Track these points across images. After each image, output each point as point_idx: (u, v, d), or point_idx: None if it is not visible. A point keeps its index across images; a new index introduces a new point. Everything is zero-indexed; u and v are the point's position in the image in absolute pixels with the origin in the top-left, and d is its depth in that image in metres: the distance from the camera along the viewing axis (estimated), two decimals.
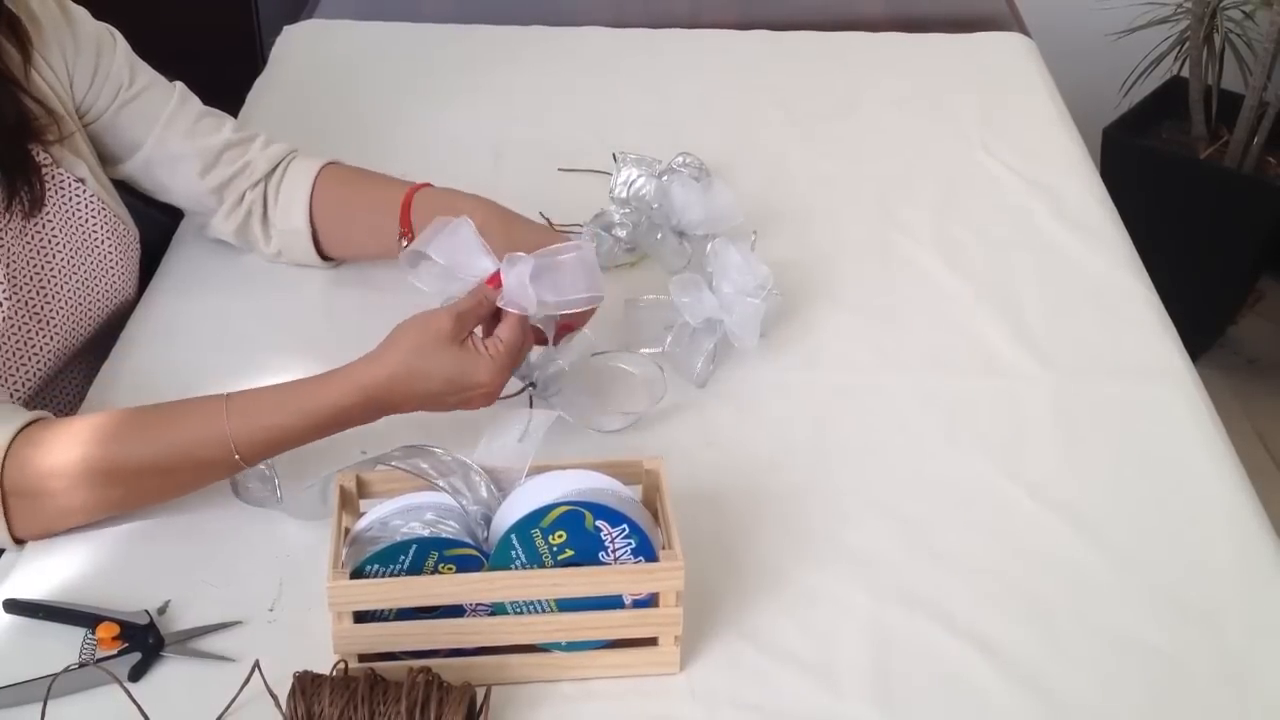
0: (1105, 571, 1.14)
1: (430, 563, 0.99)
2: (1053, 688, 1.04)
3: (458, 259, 1.19)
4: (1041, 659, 1.06)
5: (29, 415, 1.13)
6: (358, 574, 0.99)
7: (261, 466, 1.15)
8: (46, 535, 1.14)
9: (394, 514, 1.03)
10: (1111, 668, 1.06)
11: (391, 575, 0.99)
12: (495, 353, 1.15)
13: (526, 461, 1.05)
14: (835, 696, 1.03)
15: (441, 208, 1.29)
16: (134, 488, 1.13)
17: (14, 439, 1.10)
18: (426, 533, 1.00)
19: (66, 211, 1.31)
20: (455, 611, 1.01)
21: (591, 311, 1.26)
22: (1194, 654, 1.07)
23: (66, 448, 1.10)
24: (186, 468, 1.13)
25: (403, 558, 0.99)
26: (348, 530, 1.04)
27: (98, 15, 1.37)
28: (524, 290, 1.16)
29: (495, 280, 1.18)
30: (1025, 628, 1.09)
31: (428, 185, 1.37)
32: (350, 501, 1.07)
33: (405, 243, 1.33)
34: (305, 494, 1.12)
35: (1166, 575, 1.14)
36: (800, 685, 1.04)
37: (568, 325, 1.26)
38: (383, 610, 1.00)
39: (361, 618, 0.99)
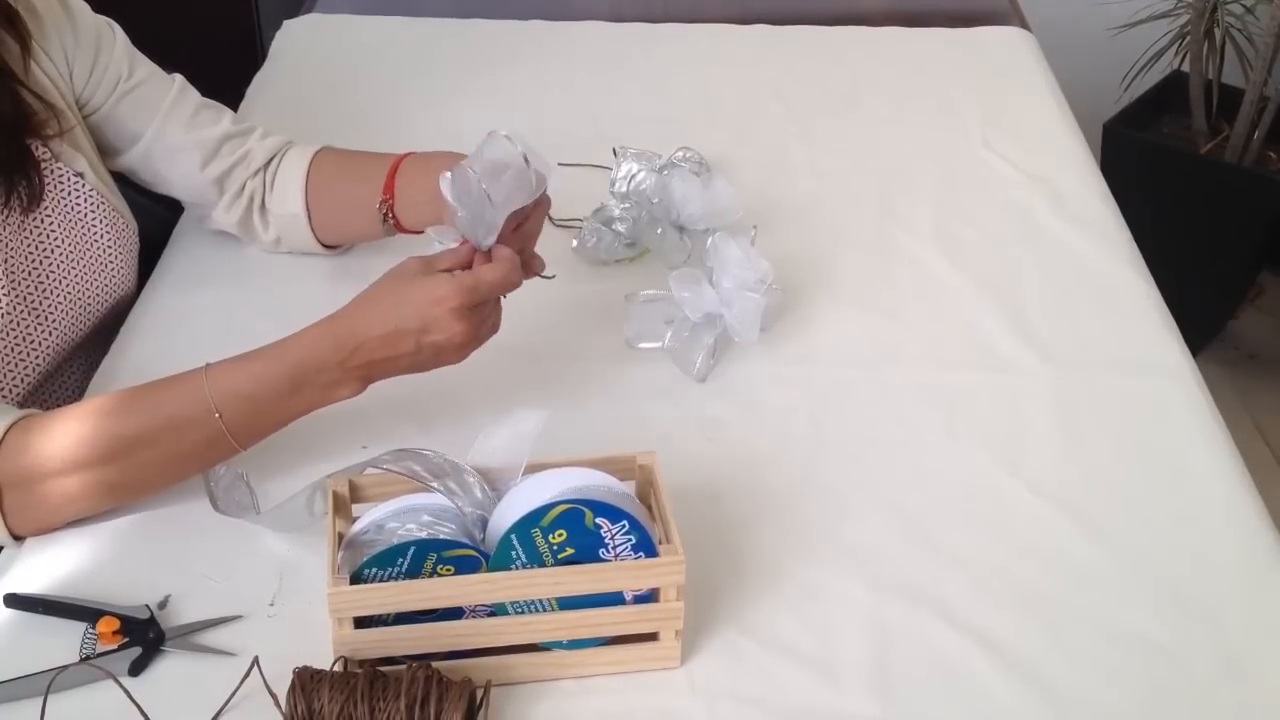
0: (1105, 566, 1.14)
1: (429, 564, 0.99)
2: (1053, 682, 1.04)
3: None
4: (1041, 653, 1.06)
5: (20, 412, 1.13)
6: (356, 577, 0.98)
7: (237, 471, 1.14)
8: (45, 529, 1.14)
9: (390, 516, 1.02)
10: (1111, 662, 1.06)
11: (390, 578, 0.98)
12: (459, 273, 1.13)
13: (522, 461, 1.04)
14: (835, 690, 1.03)
15: (420, 169, 1.32)
16: (126, 464, 1.11)
17: (7, 432, 1.10)
18: (424, 534, 1.00)
19: (65, 206, 1.31)
20: (455, 613, 1.00)
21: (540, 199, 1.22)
22: (1194, 648, 1.07)
23: (57, 432, 1.10)
24: (170, 434, 1.11)
25: (401, 560, 0.98)
26: (341, 535, 1.03)
27: (99, 9, 1.37)
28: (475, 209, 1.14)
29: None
30: (1025, 622, 1.09)
31: (413, 154, 1.37)
32: (343, 506, 1.06)
33: (384, 211, 1.35)
34: (290, 503, 1.10)
35: (1166, 570, 1.14)
36: (800, 679, 1.04)
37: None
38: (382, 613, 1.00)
39: (361, 620, 0.99)
